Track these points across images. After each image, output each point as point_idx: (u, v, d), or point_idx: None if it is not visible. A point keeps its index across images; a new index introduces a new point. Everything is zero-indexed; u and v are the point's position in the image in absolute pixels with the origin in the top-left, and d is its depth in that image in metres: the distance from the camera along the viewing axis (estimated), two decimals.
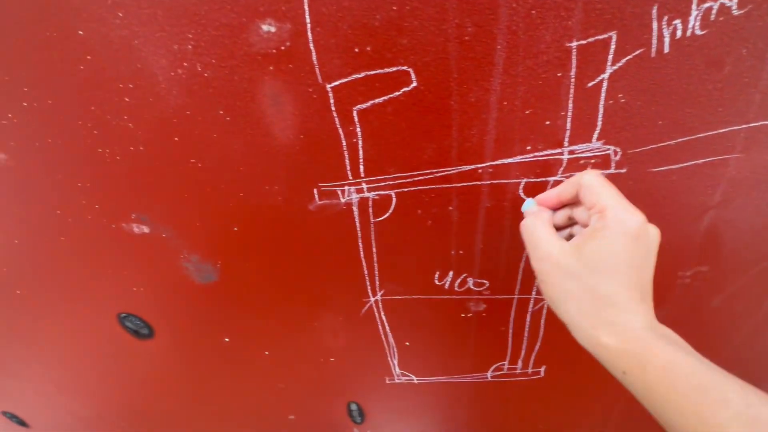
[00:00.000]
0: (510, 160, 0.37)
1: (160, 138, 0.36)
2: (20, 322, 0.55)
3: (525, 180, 0.38)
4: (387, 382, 0.62)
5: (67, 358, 0.60)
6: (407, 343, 0.55)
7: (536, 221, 0.34)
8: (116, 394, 0.65)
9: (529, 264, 0.40)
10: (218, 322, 0.53)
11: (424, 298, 0.49)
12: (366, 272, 0.46)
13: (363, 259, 0.45)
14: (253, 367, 0.60)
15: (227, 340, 0.56)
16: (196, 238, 0.44)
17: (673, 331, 0.30)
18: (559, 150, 0.36)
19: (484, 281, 0.47)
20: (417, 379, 0.61)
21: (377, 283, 0.47)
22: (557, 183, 0.38)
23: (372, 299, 0.49)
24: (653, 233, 0.30)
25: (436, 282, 0.47)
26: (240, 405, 0.68)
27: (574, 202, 0.35)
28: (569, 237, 0.37)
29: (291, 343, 0.56)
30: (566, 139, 0.35)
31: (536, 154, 0.36)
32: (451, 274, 0.46)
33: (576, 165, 0.37)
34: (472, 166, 0.37)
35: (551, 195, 0.35)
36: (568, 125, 0.35)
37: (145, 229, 0.43)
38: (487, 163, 0.37)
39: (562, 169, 0.37)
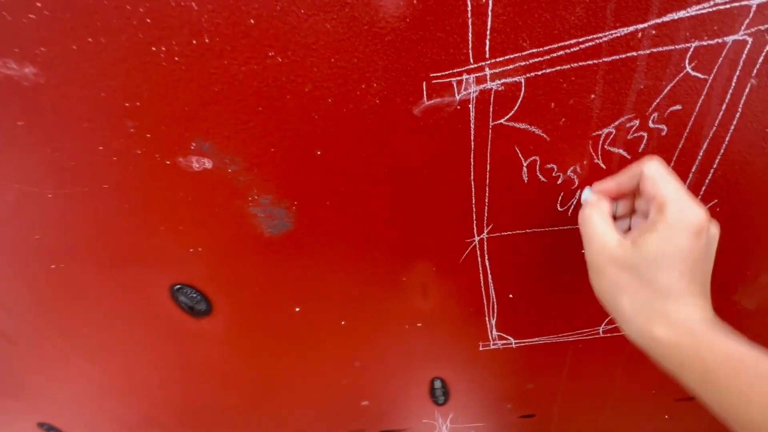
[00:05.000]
0: (682, 13, 0.28)
1: (231, 21, 0.28)
2: (55, 306, 0.47)
3: (696, 43, 0.30)
4: (481, 348, 0.53)
5: (111, 350, 0.52)
6: (511, 296, 0.47)
7: (594, 213, 0.32)
8: (168, 391, 0.56)
9: None
10: (289, 286, 0.45)
11: (541, 232, 0.41)
12: (474, 200, 0.38)
13: (473, 182, 0.37)
14: (326, 342, 0.51)
15: (298, 309, 0.47)
16: (269, 171, 0.35)
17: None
18: None
19: None
20: (515, 342, 0.52)
21: (485, 215, 0.39)
22: (737, 43, 0.30)
23: (476, 238, 0.41)
24: (714, 230, 0.30)
25: (559, 207, 0.39)
26: (307, 393, 0.59)
27: (635, 192, 0.33)
28: (628, 228, 0.35)
29: (373, 308, 0.47)
30: None
31: (717, 0, 0.28)
32: (579, 193, 0.38)
33: (765, 16, 0.28)
34: (632, 28, 0.29)
35: (610, 185, 0.34)
36: None
37: (207, 164, 0.35)
38: (652, 21, 0.29)
39: (747, 21, 0.29)
